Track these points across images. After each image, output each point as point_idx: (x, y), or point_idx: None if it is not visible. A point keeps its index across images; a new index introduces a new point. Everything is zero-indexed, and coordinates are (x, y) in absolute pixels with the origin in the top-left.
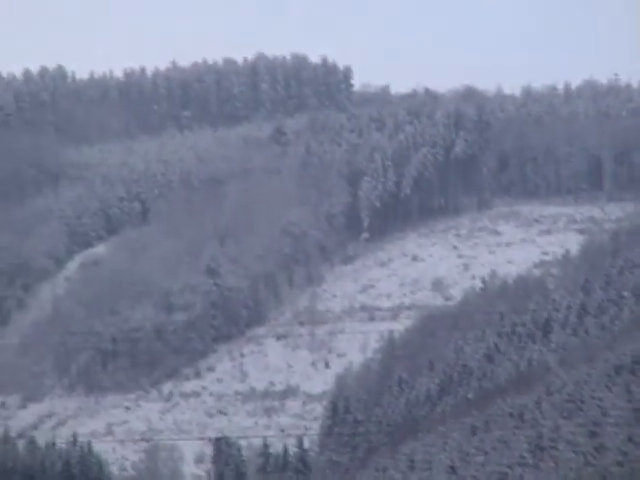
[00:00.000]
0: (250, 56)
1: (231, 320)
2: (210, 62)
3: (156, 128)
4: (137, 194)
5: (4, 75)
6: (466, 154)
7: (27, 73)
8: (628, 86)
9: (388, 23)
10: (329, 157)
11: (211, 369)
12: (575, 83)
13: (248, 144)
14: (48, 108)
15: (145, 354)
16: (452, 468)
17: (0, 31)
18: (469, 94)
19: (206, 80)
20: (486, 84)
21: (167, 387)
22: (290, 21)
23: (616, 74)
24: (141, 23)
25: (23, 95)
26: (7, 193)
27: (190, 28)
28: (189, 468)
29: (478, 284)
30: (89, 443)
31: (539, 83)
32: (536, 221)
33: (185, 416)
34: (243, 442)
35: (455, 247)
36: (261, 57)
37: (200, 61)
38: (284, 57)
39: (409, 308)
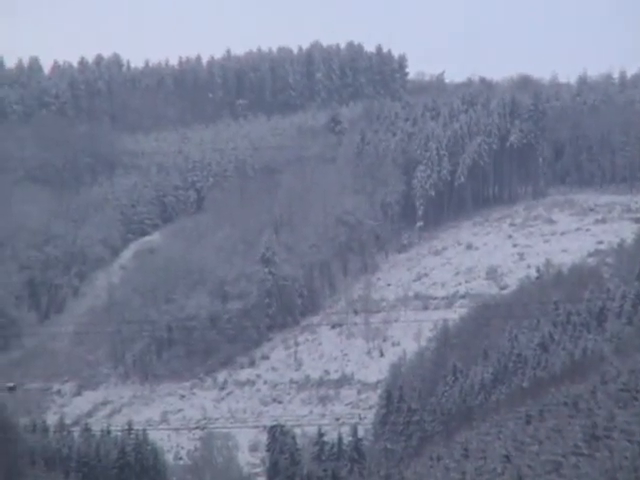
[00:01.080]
0: (305, 45)
1: (286, 309)
2: (265, 51)
3: (211, 116)
4: (192, 183)
5: (60, 63)
6: (521, 143)
7: (83, 62)
8: None
9: (443, 11)
10: (384, 146)
11: (266, 357)
12: (631, 72)
13: (303, 133)
14: (104, 96)
15: (200, 342)
16: (506, 457)
17: (56, 20)
18: (524, 83)
19: (261, 69)
20: (541, 72)
21: (222, 375)
22: (345, 10)
23: None
24: (197, 11)
25: (79, 83)
26: (63, 181)
27: (245, 17)
28: (244, 456)
29: (533, 273)
30: (144, 431)
31: (595, 71)
32: (591, 210)
33: (240, 404)
34: (298, 430)
35: (510, 236)
36: (316, 46)
37: (255, 50)
38: (339, 46)
39: (463, 297)
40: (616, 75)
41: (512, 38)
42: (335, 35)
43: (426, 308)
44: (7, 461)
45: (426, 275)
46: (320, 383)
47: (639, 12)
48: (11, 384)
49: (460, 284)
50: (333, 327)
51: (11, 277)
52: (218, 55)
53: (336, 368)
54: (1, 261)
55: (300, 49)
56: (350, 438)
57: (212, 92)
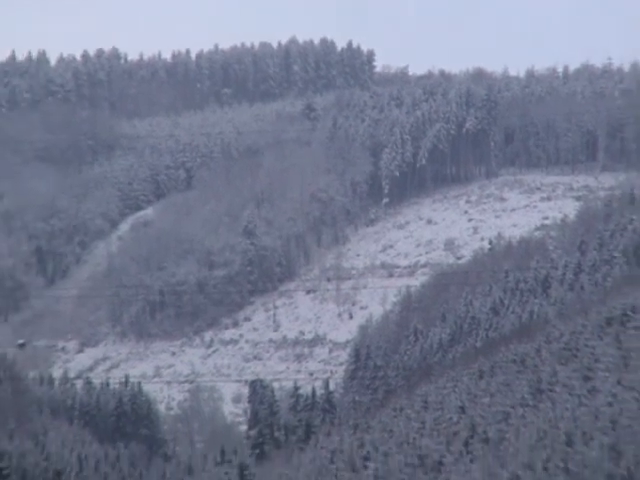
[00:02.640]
0: (284, 40)
1: (266, 276)
2: (248, 45)
3: (199, 104)
4: (182, 163)
5: (64, 56)
6: (476, 129)
7: (85, 55)
8: (620, 69)
9: (407, 10)
10: (353, 131)
11: (247, 319)
12: (573, 66)
13: (281, 119)
14: (104, 86)
15: (189, 305)
16: (461, 408)
17: (59, 16)
18: (479, 75)
19: (244, 61)
20: (494, 66)
21: (208, 335)
22: (319, 8)
23: (610, 58)
24: (187, 9)
25: (81, 74)
26: (67, 161)
27: (230, 14)
28: (228, 407)
29: (486, 245)
30: (139, 384)
31: (541, 66)
32: (537, 189)
33: (224, 361)
34: (276, 384)
35: (465, 212)
36: (293, 41)
37: (239, 45)
38: (313, 41)
39: (424, 266)
40: (560, 69)
41: (468, 35)
42: (310, 31)
43: (391, 276)
44: (18, 409)
45: (391, 247)
46: (296, 342)
47: (581, 13)
48: (21, 341)
49: (421, 255)
50: (308, 292)
51: (20, 246)
52: (206, 49)
53: (310, 329)
54: (11, 232)
55: (279, 44)
56: (322, 391)
57: (200, 82)
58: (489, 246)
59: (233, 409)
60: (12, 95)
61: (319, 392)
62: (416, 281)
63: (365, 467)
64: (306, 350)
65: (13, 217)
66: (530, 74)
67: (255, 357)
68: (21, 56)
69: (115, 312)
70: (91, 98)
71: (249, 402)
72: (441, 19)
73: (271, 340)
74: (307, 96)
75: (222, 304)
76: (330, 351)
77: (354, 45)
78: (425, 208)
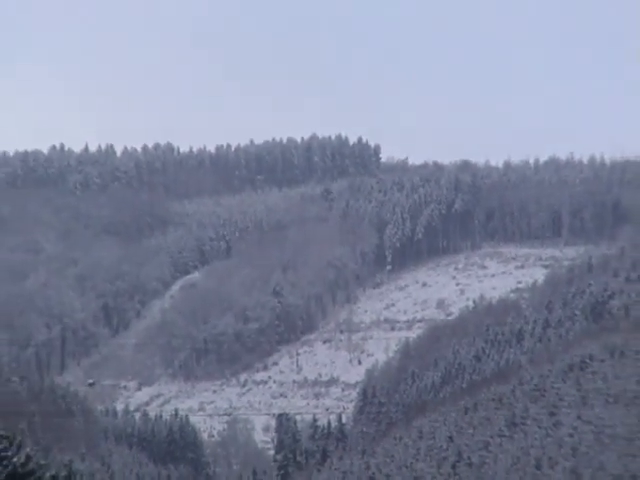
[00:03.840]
0: (306, 136)
1: (290, 328)
2: (277, 140)
3: (237, 188)
4: (223, 236)
5: (128, 148)
6: (462, 209)
7: (145, 147)
8: (580, 161)
9: (408, 111)
10: (363, 210)
11: (275, 364)
12: (542, 159)
13: (304, 200)
14: (159, 173)
15: (227, 352)
16: (450, 437)
17: (125, 114)
18: (465, 165)
19: (274, 153)
20: (477, 158)
21: (243, 376)
22: (335, 109)
23: (572, 152)
24: (228, 110)
25: (142, 163)
26: (129, 234)
27: (262, 113)
28: (258, 436)
29: (470, 304)
30: (187, 416)
31: (516, 158)
32: (513, 259)
33: (256, 398)
34: (298, 417)
35: (454, 277)
36: (314, 137)
37: (270, 139)
38: (330, 137)
39: (420, 321)
40: (531, 161)
41: (457, 132)
42: (328, 128)
43: (393, 329)
44: (88, 436)
45: (393, 305)
46: (314, 383)
47: (550, 113)
48: (91, 381)
49: (417, 312)
50: (324, 342)
51: (91, 303)
52: (243, 143)
53: (326, 372)
54: (84, 291)
55: (302, 139)
56: (336, 423)
57: (238, 170)
58: (473, 305)
59: (263, 437)
60: (85, 180)
61: (333, 424)
62: (413, 333)
63: None
64: (323, 389)
65: (85, 279)
66: (507, 165)
67: (281, 395)
68: (93, 148)
69: (167, 357)
70: (149, 183)
71: (276, 432)
72: (434, 119)
73: (294, 381)
74: (325, 182)
75: (254, 351)
76: (342, 390)
77: (363, 140)
78: (421, 274)
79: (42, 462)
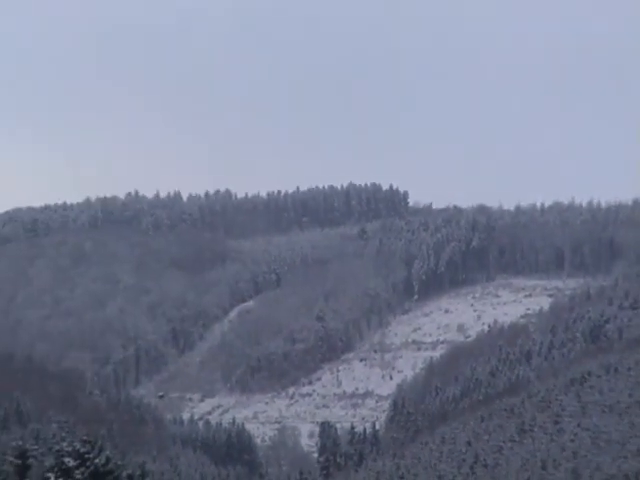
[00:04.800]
0: (345, 184)
1: (331, 349)
2: (320, 187)
3: (285, 229)
4: (273, 269)
5: (193, 194)
6: (479, 246)
7: (207, 194)
8: (580, 205)
9: (432, 160)
10: (393, 247)
11: (318, 379)
12: (547, 203)
13: (343, 239)
14: (219, 215)
15: (277, 369)
16: (468, 443)
17: (189, 164)
18: (482, 209)
19: (317, 199)
20: (492, 202)
21: (291, 390)
22: (371, 159)
23: (573, 197)
24: (278, 160)
25: (204, 207)
26: (194, 268)
27: (308, 162)
28: (304, 440)
29: (486, 328)
30: (243, 424)
31: (525, 202)
32: (522, 289)
33: (302, 408)
34: (338, 425)
35: (472, 304)
36: (352, 184)
37: (313, 186)
38: (366, 185)
39: (442, 342)
40: (538, 204)
41: (474, 179)
42: (364, 177)
43: (419, 349)
44: (158, 441)
45: (419, 329)
46: (352, 395)
47: (552, 163)
48: (161, 394)
49: (440, 334)
50: (361, 360)
51: (161, 327)
52: (290, 190)
53: (362, 386)
54: (155, 317)
55: (342, 186)
56: (371, 430)
57: (286, 213)
58: (488, 329)
59: (308, 442)
60: (156, 222)
61: (368, 430)
62: (437, 353)
63: None
64: (359, 401)
65: (156, 306)
66: (517, 208)
67: (323, 405)
68: (163, 194)
69: (226, 373)
70: (210, 224)
71: (319, 437)
72: (455, 168)
73: (335, 394)
74: (361, 223)
75: (300, 368)
76: (376, 402)
77: (394, 187)
78: (443, 302)
79: (119, 463)
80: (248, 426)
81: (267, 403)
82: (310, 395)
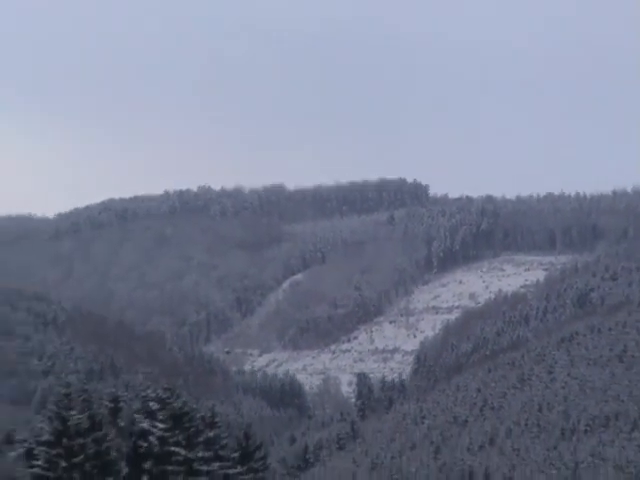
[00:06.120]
0: (377, 178)
1: (366, 313)
2: (357, 181)
3: (329, 215)
4: (319, 248)
5: (252, 187)
6: (487, 229)
7: (265, 186)
8: (569, 195)
9: (448, 159)
10: (417, 231)
11: (355, 338)
12: (542, 193)
13: (376, 224)
14: (274, 204)
15: (322, 330)
16: (478, 389)
17: (250, 159)
18: (489, 199)
19: (355, 190)
20: (497, 193)
21: (333, 347)
22: (398, 159)
23: (562, 189)
24: (324, 155)
25: (262, 197)
26: (254, 247)
27: (345, 162)
28: (344, 388)
29: (493, 296)
30: (294, 375)
31: (525, 193)
32: (522, 264)
33: (342, 362)
34: (372, 375)
35: (481, 277)
36: (382, 179)
37: (351, 180)
38: (393, 179)
39: (457, 308)
40: (535, 195)
41: (483, 175)
42: (393, 172)
43: (437, 313)
44: (225, 389)
45: (438, 297)
46: (383, 351)
47: (548, 156)
48: (227, 349)
49: (455, 301)
50: (390, 322)
51: (227, 296)
52: (331, 183)
53: (391, 344)
54: (222, 287)
55: (374, 180)
56: (398, 379)
57: (329, 202)
58: (494, 297)
59: (347, 389)
60: (222, 210)
61: (396, 380)
62: (452, 316)
63: (422, 422)
64: (389, 355)
65: (223, 279)
66: (518, 198)
67: (360, 359)
68: (228, 187)
69: (280, 334)
70: (267, 211)
71: (356, 385)
72: (467, 165)
73: (369, 350)
74: (390, 211)
75: (341, 329)
76: (403, 356)
77: (417, 181)
78: (457, 274)
79: (193, 406)
80: (298, 376)
81: (314, 357)
82: (349, 351)
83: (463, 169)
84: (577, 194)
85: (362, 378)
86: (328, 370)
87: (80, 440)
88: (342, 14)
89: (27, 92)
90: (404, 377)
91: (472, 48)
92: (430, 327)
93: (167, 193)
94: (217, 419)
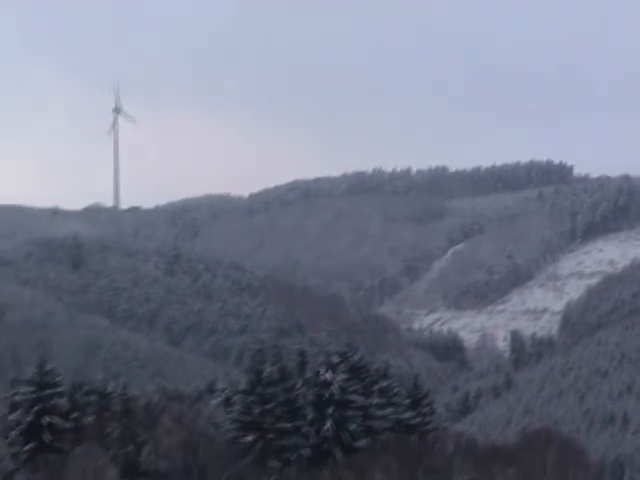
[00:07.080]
0: (527, 160)
1: (518, 278)
2: (510, 162)
3: (485, 192)
4: (477, 221)
5: (420, 169)
6: (623, 205)
7: (430, 168)
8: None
9: (591, 141)
10: (563, 206)
11: (509, 300)
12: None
13: (527, 200)
14: (438, 184)
15: (481, 292)
16: (617, 344)
17: (415, 146)
18: (625, 178)
19: (508, 171)
20: (634, 172)
21: (490, 307)
22: (546, 141)
23: None
24: (482, 144)
25: (429, 178)
26: (420, 221)
27: (500, 145)
28: (499, 344)
29: (629, 262)
30: (456, 332)
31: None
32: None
33: (498, 320)
34: (523, 332)
35: (618, 246)
36: (533, 161)
37: (504, 162)
38: (543, 160)
39: (598, 273)
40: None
41: (621, 155)
42: (542, 154)
43: (581, 278)
44: (397, 344)
45: (581, 263)
46: (534, 311)
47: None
48: (398, 310)
49: (596, 267)
50: (539, 286)
51: (398, 264)
52: (489, 165)
53: (541, 305)
54: (394, 256)
55: (525, 162)
56: (547, 336)
57: (486, 181)
58: (630, 263)
59: (502, 345)
60: (394, 189)
61: (545, 336)
62: (594, 281)
63: (568, 373)
64: (539, 315)
65: (395, 249)
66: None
67: (513, 319)
68: (399, 169)
69: (444, 296)
70: (432, 190)
71: (510, 341)
72: (607, 147)
73: (521, 310)
74: (539, 188)
75: (497, 292)
76: (551, 316)
77: (563, 162)
78: (598, 244)
79: (369, 360)
80: (459, 333)
81: (473, 317)
82: (503, 311)
83: (603, 151)
84: None
85: (515, 335)
86: (485, 328)
87: (272, 389)
88: None
89: (248, 91)
90: (552, 334)
91: None
92: (574, 290)
93: (345, 175)
94: (390, 371)
